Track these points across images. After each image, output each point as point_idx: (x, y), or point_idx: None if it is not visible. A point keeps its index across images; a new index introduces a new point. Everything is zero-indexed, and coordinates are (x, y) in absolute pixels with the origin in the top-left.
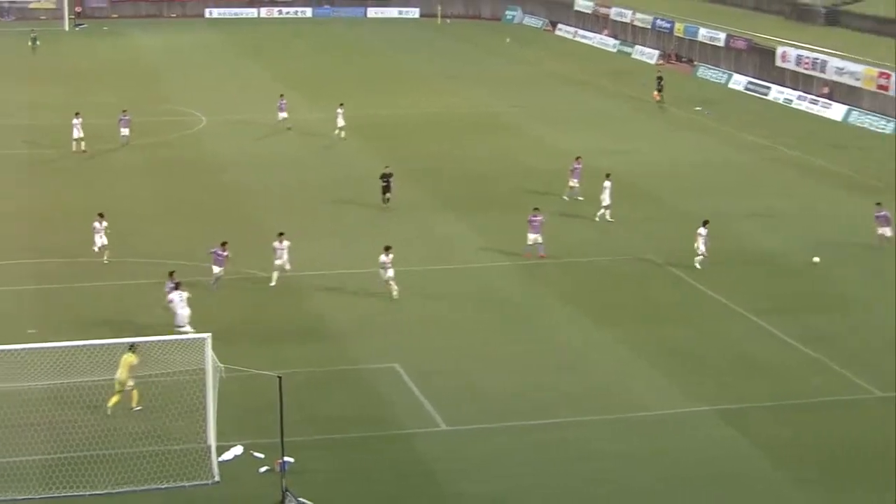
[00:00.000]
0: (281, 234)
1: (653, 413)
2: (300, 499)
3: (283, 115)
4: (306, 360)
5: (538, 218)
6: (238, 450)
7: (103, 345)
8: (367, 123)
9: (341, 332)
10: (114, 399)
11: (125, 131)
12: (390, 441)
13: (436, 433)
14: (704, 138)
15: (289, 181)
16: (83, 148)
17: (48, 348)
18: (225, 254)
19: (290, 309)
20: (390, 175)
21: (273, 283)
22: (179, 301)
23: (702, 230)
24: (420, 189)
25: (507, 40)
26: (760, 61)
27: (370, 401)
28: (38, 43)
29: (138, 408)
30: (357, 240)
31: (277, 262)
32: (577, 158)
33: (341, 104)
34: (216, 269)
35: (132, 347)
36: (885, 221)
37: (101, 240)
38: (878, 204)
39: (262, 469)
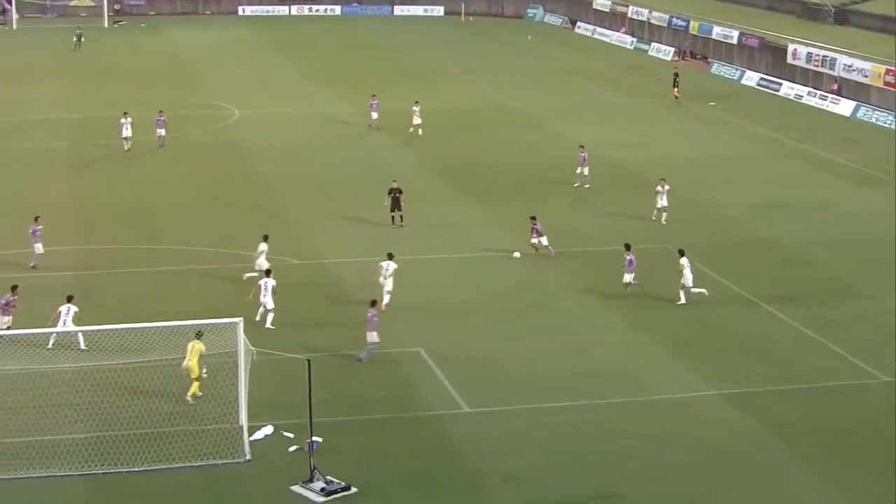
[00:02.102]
0: (266, 236)
1: (666, 396)
2: (328, 477)
3: (375, 115)
4: (334, 344)
5: (538, 226)
6: (268, 430)
7: (140, 328)
8: (393, 117)
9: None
10: (193, 388)
11: (161, 132)
12: (415, 422)
13: (459, 415)
14: (718, 132)
15: (319, 171)
16: (127, 147)
17: (87, 331)
18: None
19: (320, 295)
20: (399, 191)
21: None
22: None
23: (683, 260)
24: (442, 180)
25: (529, 37)
26: (772, 58)
27: (396, 383)
28: (82, 40)
29: (199, 394)
30: (384, 228)
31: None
32: (581, 147)
33: (416, 102)
34: None
35: (198, 335)
36: None
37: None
38: None
39: (292, 448)
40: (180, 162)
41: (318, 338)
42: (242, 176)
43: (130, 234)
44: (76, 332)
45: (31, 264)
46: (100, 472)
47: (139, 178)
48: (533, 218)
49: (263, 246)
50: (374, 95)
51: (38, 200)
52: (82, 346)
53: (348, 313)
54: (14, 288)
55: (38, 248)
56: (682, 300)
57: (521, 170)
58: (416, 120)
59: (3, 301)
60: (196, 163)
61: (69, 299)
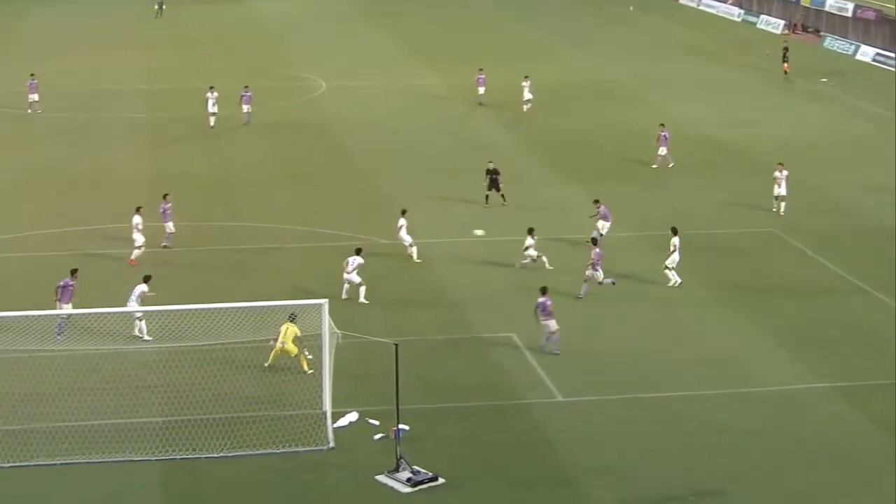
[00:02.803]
0: (404, 210)
1: (771, 388)
2: (414, 466)
3: (482, 90)
4: (424, 328)
5: (602, 208)
6: (353, 416)
7: (220, 309)
8: (498, 91)
9: (459, 301)
10: (303, 363)
11: (246, 108)
12: (506, 411)
13: (551, 404)
14: (830, 110)
15: (411, 148)
16: (213, 124)
17: (165, 311)
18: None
19: (408, 276)
20: (496, 171)
21: (417, 260)
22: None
23: (675, 240)
24: (543, 158)
25: (630, 8)
26: (890, 32)
27: (486, 370)
28: (163, 8)
29: (310, 370)
30: (478, 208)
31: (400, 238)
32: (662, 125)
33: (526, 77)
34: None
35: (292, 317)
36: None
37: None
38: None
39: (377, 436)
40: (264, 136)
41: (407, 321)
42: (330, 152)
43: (213, 211)
44: (139, 322)
45: (163, 244)
46: (177, 457)
47: (222, 153)
48: (596, 201)
49: (402, 221)
50: (480, 69)
51: (119, 174)
52: (145, 336)
53: (438, 296)
54: (74, 272)
55: (170, 226)
56: (672, 281)
57: (622, 148)
58: (527, 95)
59: (62, 284)
60: (281, 137)
61: (146, 280)
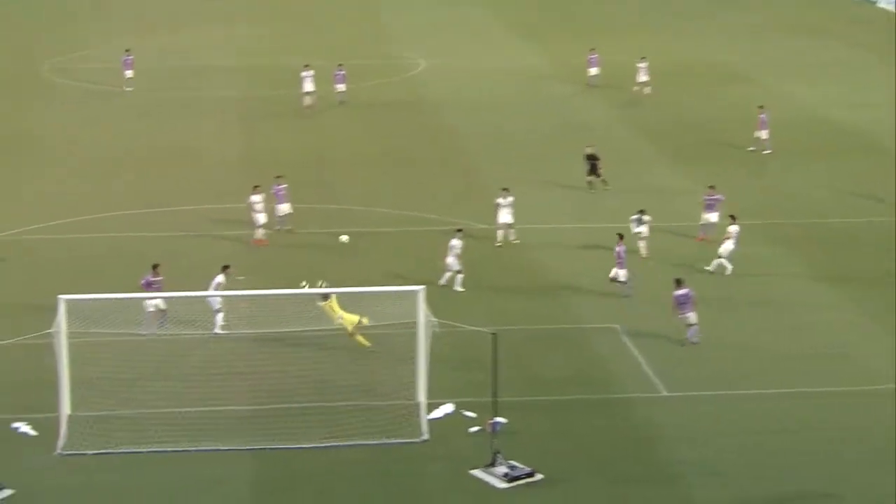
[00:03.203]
0: (505, 189)
1: (884, 386)
2: (511, 461)
3: (594, 70)
4: (523, 317)
5: (715, 197)
6: (448, 408)
7: (308, 294)
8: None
9: (561, 289)
10: (361, 339)
11: (341, 87)
12: (608, 405)
13: (656, 399)
14: None
15: (511, 128)
16: (309, 103)
17: (255, 296)
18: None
19: (509, 263)
20: (595, 157)
21: (499, 243)
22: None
23: (732, 228)
24: (651, 141)
25: None
26: None
27: (588, 362)
28: None
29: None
30: (582, 193)
31: (502, 219)
32: (761, 108)
33: (643, 57)
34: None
35: (325, 297)
36: None
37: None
38: None
39: (473, 429)
40: (359, 116)
41: (505, 309)
42: (427, 133)
43: (305, 193)
44: (216, 313)
45: (286, 228)
46: (268, 447)
47: (315, 133)
48: (711, 187)
49: (504, 199)
50: (592, 49)
51: (210, 154)
52: (218, 328)
53: (539, 283)
54: (155, 267)
55: (284, 208)
56: (711, 268)
57: (735, 132)
58: (643, 77)
59: (144, 282)
60: (376, 118)
61: (224, 269)
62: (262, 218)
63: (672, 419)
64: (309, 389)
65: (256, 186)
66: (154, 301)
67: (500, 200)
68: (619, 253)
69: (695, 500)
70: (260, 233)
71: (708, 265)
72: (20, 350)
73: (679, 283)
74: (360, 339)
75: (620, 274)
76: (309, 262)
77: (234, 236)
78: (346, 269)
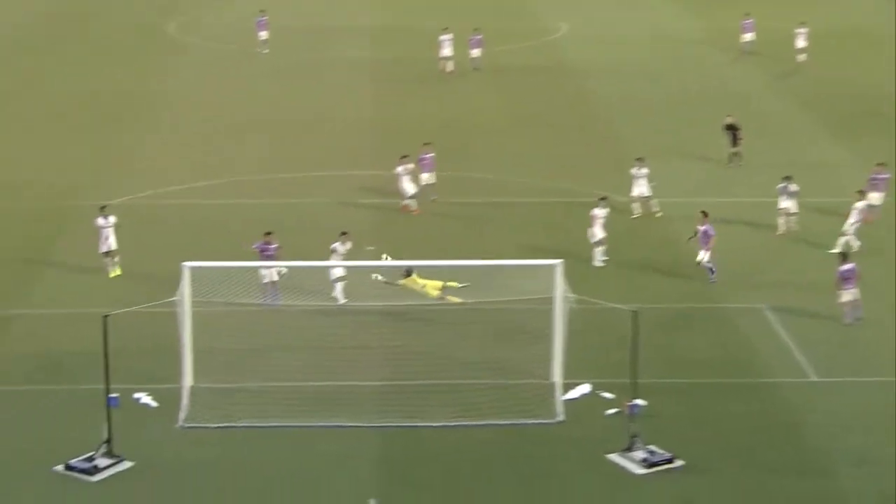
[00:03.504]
0: (639, 159)
1: None
2: (650, 446)
3: (748, 36)
4: (665, 295)
5: (883, 176)
6: (585, 388)
7: (446, 267)
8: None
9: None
10: (452, 299)
11: (476, 52)
12: (752, 389)
13: (804, 384)
14: None
15: (657, 96)
16: (451, 69)
17: (387, 266)
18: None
19: (649, 237)
20: (735, 126)
21: (635, 215)
22: None
23: (860, 204)
24: (802, 112)
25: None
26: None
27: (732, 343)
28: None
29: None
30: (720, 165)
31: (636, 191)
32: None
33: (802, 23)
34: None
35: (408, 272)
36: None
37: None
38: None
39: (610, 411)
40: (496, 81)
41: (646, 286)
42: (567, 99)
43: (439, 160)
44: (336, 282)
45: (431, 198)
46: (394, 425)
47: (450, 98)
48: (881, 164)
49: (637, 170)
50: (747, 14)
51: (341, 118)
52: (340, 300)
53: (682, 259)
54: (268, 234)
55: (427, 177)
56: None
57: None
58: (801, 43)
59: (257, 248)
60: (514, 83)
61: (342, 236)
62: (410, 188)
63: (821, 405)
64: (437, 366)
65: (404, 156)
66: (268, 271)
67: (634, 171)
68: (704, 232)
69: (845, 494)
70: (412, 203)
71: (843, 247)
72: (140, 318)
73: (844, 258)
74: (452, 298)
75: (705, 257)
76: (438, 233)
77: (369, 204)
78: (479, 241)
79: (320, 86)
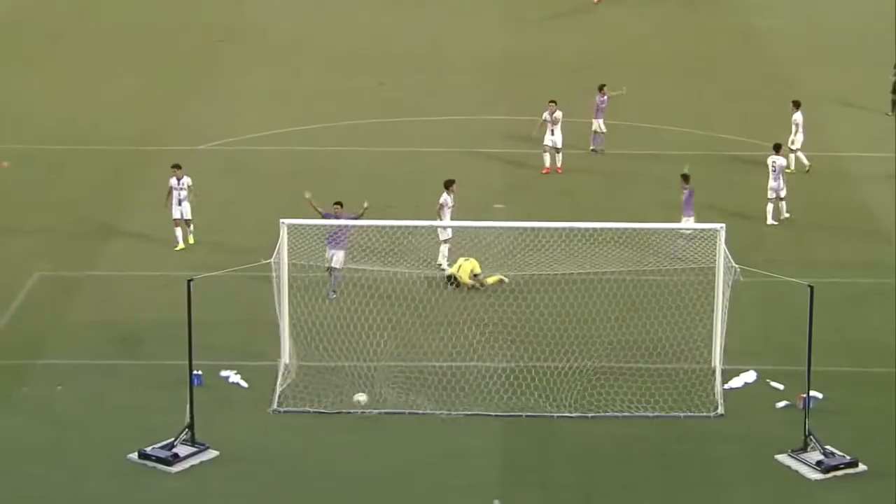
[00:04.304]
0: (795, 102)
1: None
2: (827, 447)
3: None
4: (848, 267)
5: None
6: (750, 376)
7: (584, 229)
8: None
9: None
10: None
11: None
12: None
13: None
14: None
15: (841, 33)
16: None
17: (506, 228)
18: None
19: (830, 197)
20: None
21: (807, 167)
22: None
23: None
24: None
25: None
26: None
27: None
28: None
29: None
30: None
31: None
32: None
33: None
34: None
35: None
36: None
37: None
38: None
39: (781, 404)
40: (647, 10)
41: (825, 256)
42: (734, 35)
43: (581, 104)
44: (443, 249)
45: (591, 147)
46: (523, 414)
47: (597, 31)
48: None
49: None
50: None
51: (460, 52)
52: (446, 266)
53: (869, 226)
54: (337, 204)
55: (599, 123)
56: None
57: None
58: None
59: (325, 214)
60: (672, 15)
61: (447, 185)
62: (557, 139)
63: None
64: (576, 346)
65: (552, 101)
66: (334, 253)
67: (795, 118)
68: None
69: None
70: (552, 159)
71: None
72: (227, 284)
73: None
74: (489, 279)
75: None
76: (571, 190)
77: (497, 154)
78: (622, 200)
79: (443, 15)
